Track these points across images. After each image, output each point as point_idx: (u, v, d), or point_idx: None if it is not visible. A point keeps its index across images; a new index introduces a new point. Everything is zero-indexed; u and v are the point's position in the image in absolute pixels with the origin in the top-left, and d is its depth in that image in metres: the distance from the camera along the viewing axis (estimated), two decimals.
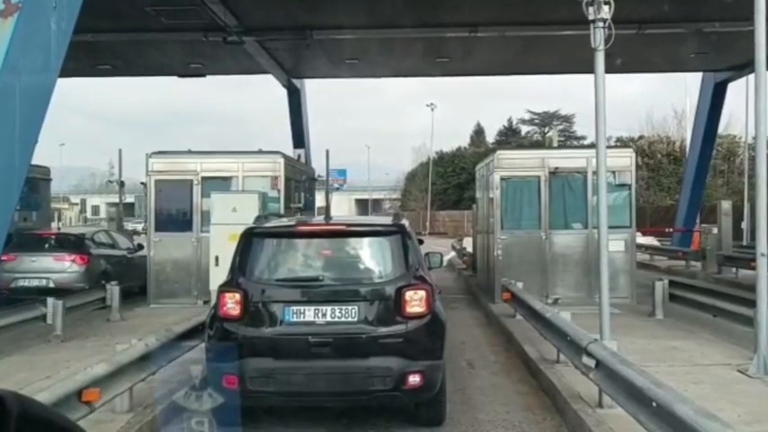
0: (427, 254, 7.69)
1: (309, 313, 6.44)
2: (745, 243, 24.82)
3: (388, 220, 7.91)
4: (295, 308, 6.45)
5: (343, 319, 6.40)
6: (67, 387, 5.36)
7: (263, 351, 6.36)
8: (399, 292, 6.44)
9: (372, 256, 7.09)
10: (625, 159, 14.31)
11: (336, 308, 6.43)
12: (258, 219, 7.73)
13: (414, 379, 6.26)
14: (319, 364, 6.31)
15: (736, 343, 9.49)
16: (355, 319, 6.39)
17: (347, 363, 6.35)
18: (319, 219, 8.40)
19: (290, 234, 7.37)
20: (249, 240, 6.92)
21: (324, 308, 6.43)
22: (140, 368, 6.66)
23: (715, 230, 20.53)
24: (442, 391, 6.70)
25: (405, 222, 7.33)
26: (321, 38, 17.48)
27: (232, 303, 6.49)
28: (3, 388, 1.13)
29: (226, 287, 6.68)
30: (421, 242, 7.81)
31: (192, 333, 8.02)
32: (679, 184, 35.22)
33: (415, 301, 6.45)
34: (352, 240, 7.22)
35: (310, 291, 6.61)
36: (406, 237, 6.90)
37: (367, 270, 7.00)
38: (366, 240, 7.21)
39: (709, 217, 26.69)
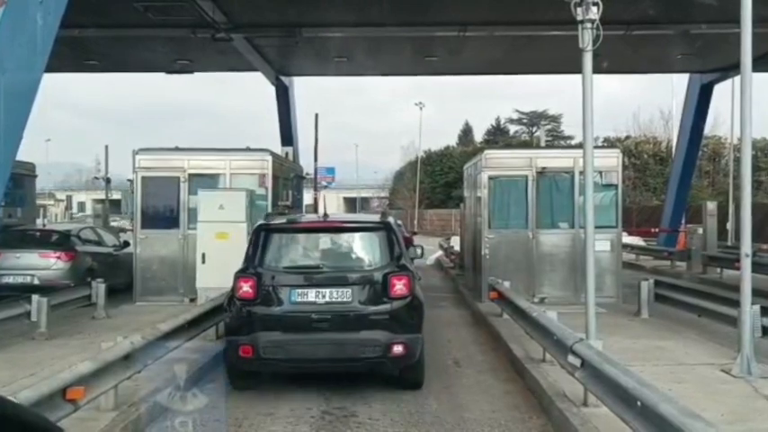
0: (408, 247, 8.97)
1: (311, 295, 7.60)
2: (729, 243, 25.03)
3: (376, 217, 8.98)
4: (299, 290, 7.62)
5: (339, 300, 7.57)
6: (52, 385, 5.31)
7: (273, 326, 7.49)
8: (386, 278, 7.63)
9: (363, 248, 8.35)
10: (612, 159, 14.37)
11: (334, 290, 7.61)
12: (267, 216, 8.97)
13: (398, 348, 7.44)
14: (320, 336, 7.47)
15: (720, 343, 9.56)
16: (349, 300, 7.57)
17: (343, 335, 7.47)
18: (318, 217, 9.45)
19: (294, 229, 8.54)
20: (261, 234, 8.10)
21: (323, 290, 7.59)
22: (125, 366, 6.62)
23: (700, 231, 20.69)
24: (421, 360, 7.91)
25: (390, 220, 8.62)
26: (310, 36, 17.44)
27: (247, 287, 7.61)
28: None
29: (242, 273, 7.76)
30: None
31: (179, 331, 7.98)
32: (665, 185, 35.45)
33: (399, 285, 7.63)
34: (346, 235, 8.50)
35: (312, 276, 7.81)
36: (391, 232, 8.11)
37: (359, 259, 8.27)
38: (358, 235, 8.51)
39: (695, 217, 26.88)
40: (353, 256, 8.38)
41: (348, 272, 7.90)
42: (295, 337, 7.48)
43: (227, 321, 8.06)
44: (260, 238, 8.05)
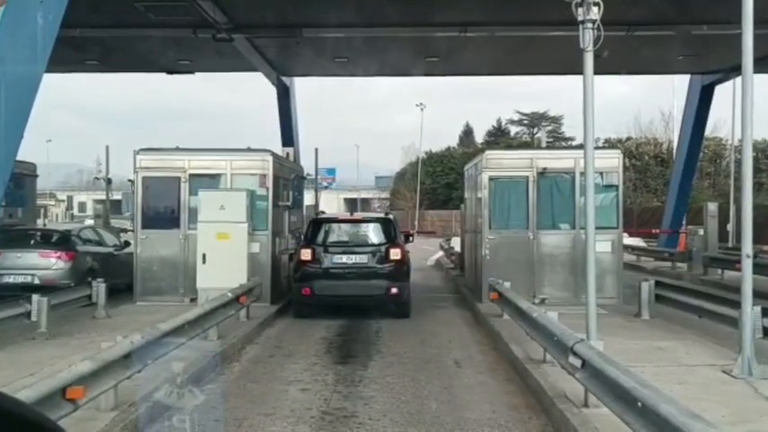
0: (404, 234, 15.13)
1: (344, 258, 13.10)
2: (730, 245, 25.05)
3: (382, 214, 15.49)
4: (337, 256, 13.14)
5: (360, 262, 13.06)
6: (51, 384, 5.30)
7: (323, 276, 12.92)
8: (387, 249, 13.12)
9: (374, 231, 13.65)
10: (612, 160, 14.34)
11: (357, 256, 13.10)
12: (318, 213, 15.79)
13: (393, 290, 12.85)
14: (349, 282, 12.87)
15: (721, 344, 9.55)
16: (366, 262, 13.06)
17: (362, 282, 12.85)
18: (347, 213, 15.18)
19: (334, 220, 14.40)
20: (315, 223, 14.02)
21: (351, 256, 13.11)
22: (125, 366, 6.61)
23: (701, 232, 20.67)
24: (408, 299, 13.35)
25: (391, 216, 14.71)
26: (310, 36, 17.43)
27: (307, 254, 13.16)
28: None
29: (304, 245, 13.50)
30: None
31: (179, 331, 7.97)
32: (666, 186, 35.43)
33: (394, 253, 13.06)
34: (364, 224, 14.25)
35: (345, 248, 13.31)
36: (391, 222, 13.95)
37: (372, 238, 13.59)
38: (372, 224, 14.03)
39: (696, 218, 26.86)
40: (369, 235, 13.67)
41: (365, 245, 13.35)
42: (335, 283, 12.84)
43: (294, 276, 13.54)
44: (314, 225, 13.89)
